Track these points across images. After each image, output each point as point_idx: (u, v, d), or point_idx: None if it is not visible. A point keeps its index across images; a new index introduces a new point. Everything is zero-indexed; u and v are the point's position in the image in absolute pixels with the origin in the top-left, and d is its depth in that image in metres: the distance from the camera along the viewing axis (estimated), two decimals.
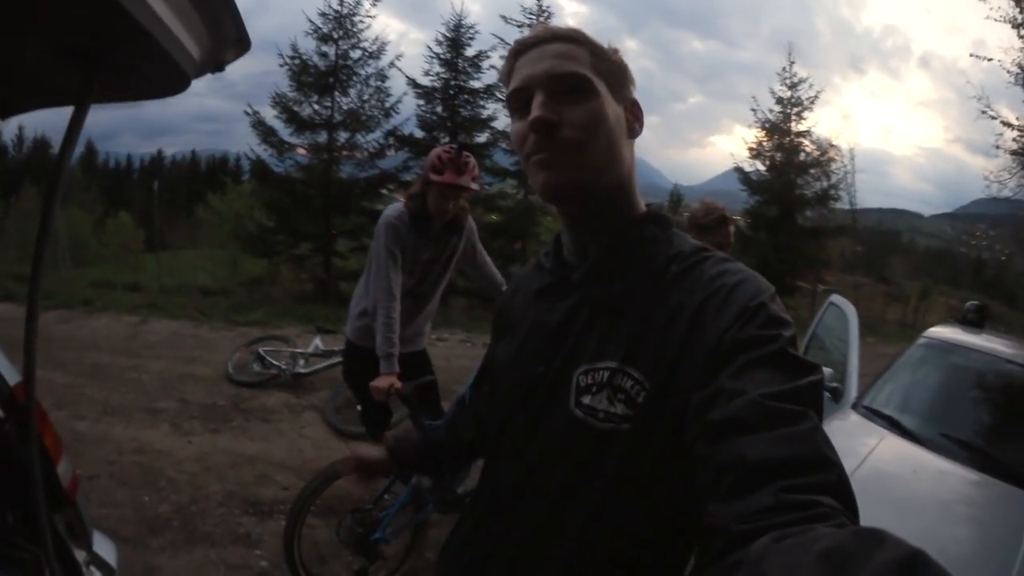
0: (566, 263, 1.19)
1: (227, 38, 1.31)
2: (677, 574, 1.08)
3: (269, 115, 14.56)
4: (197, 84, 1.44)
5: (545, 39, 1.09)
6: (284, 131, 14.69)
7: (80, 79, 1.19)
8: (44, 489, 1.78)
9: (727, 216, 3.49)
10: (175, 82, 1.35)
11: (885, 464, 3.36)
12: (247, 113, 14.42)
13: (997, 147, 12.51)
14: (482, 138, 15.72)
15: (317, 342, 7.13)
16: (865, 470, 3.20)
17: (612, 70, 1.10)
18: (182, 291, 13.08)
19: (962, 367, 4.30)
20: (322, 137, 14.84)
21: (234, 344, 7.98)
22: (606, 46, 1.12)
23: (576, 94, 1.05)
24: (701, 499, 0.82)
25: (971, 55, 12.51)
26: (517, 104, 1.10)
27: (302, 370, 6.86)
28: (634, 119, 1.14)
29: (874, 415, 3.79)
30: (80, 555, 2.30)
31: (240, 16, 1.26)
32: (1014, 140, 12.23)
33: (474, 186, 3.41)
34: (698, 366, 0.93)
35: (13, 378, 2.31)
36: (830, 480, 0.74)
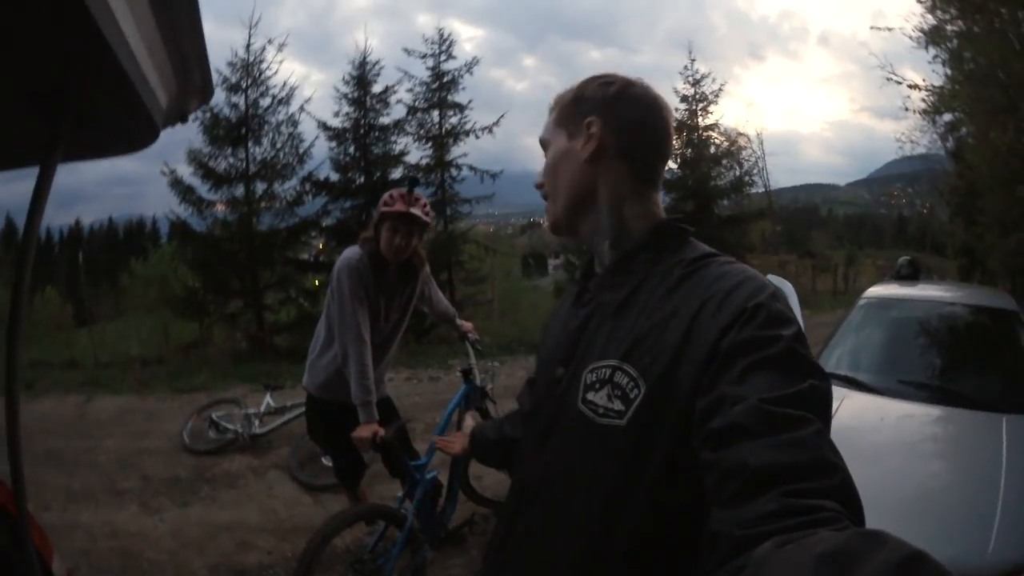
0: (593, 274, 1.29)
1: (193, 87, 1.25)
2: (692, 571, 1.06)
3: (185, 173, 14.20)
4: None
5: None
6: (202, 188, 14.29)
7: (42, 133, 1.04)
8: None
9: None
10: (144, 135, 1.25)
11: (851, 420, 3.47)
12: (164, 173, 14.01)
13: (906, 109, 13.09)
14: (396, 174, 15.52)
15: (268, 400, 6.99)
16: (833, 430, 3.34)
17: (564, 113, 1.28)
18: (119, 364, 12.66)
19: (905, 318, 4.55)
20: (239, 190, 14.45)
21: (183, 413, 7.76)
22: (569, 92, 1.30)
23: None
24: (706, 504, 0.86)
25: (871, 27, 13.05)
26: None
27: (258, 430, 6.72)
28: (586, 141, 1.22)
29: (830, 378, 3.92)
30: None
31: (209, 64, 1.21)
32: (922, 100, 12.81)
33: (426, 218, 3.39)
34: (698, 367, 0.96)
35: None
36: (833, 484, 0.76)
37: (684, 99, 19.12)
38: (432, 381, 9.71)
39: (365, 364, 3.26)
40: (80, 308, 21.77)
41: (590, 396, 1.10)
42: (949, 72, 11.92)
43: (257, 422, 6.80)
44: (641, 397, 1.02)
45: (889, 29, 12.50)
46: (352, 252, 3.42)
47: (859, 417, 3.50)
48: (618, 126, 1.22)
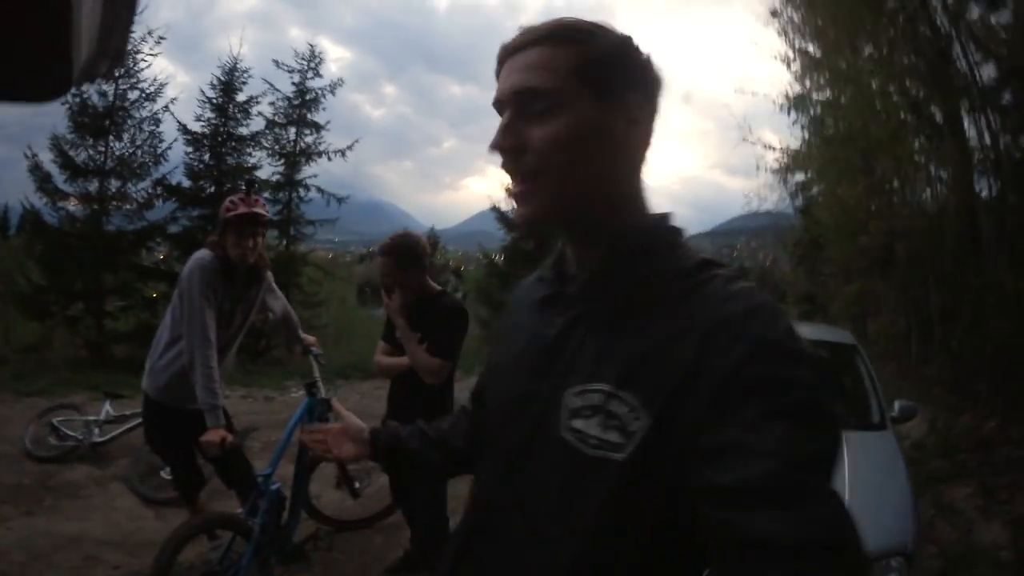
0: (567, 275, 1.12)
1: (110, 50, 1.22)
2: None
3: (47, 159, 13.23)
4: None
5: (523, 45, 1.00)
6: (59, 178, 13.37)
7: None
8: None
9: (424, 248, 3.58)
10: (56, 86, 1.12)
11: None
12: (26, 156, 13.09)
13: (758, 168, 14.58)
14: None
15: (107, 408, 6.93)
16: None
17: (607, 71, 0.98)
18: None
19: None
20: (94, 185, 13.68)
21: (26, 417, 7.50)
22: (612, 37, 1.00)
23: (542, 111, 0.97)
24: (710, 562, 0.84)
25: (736, 91, 14.40)
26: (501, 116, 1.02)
27: (98, 439, 6.68)
28: (631, 124, 1.00)
29: None
30: None
31: (130, 30, 1.12)
32: (775, 160, 14.39)
33: (267, 215, 3.52)
34: (705, 400, 0.84)
35: None
36: (844, 562, 0.72)
37: None
38: (267, 401, 9.70)
39: (211, 367, 3.25)
40: None
41: (577, 424, 0.95)
42: (807, 136, 13.55)
43: (97, 430, 6.75)
44: (644, 430, 0.89)
45: (754, 93, 13.93)
46: (203, 253, 3.45)
47: None
48: (651, 106, 1.04)
